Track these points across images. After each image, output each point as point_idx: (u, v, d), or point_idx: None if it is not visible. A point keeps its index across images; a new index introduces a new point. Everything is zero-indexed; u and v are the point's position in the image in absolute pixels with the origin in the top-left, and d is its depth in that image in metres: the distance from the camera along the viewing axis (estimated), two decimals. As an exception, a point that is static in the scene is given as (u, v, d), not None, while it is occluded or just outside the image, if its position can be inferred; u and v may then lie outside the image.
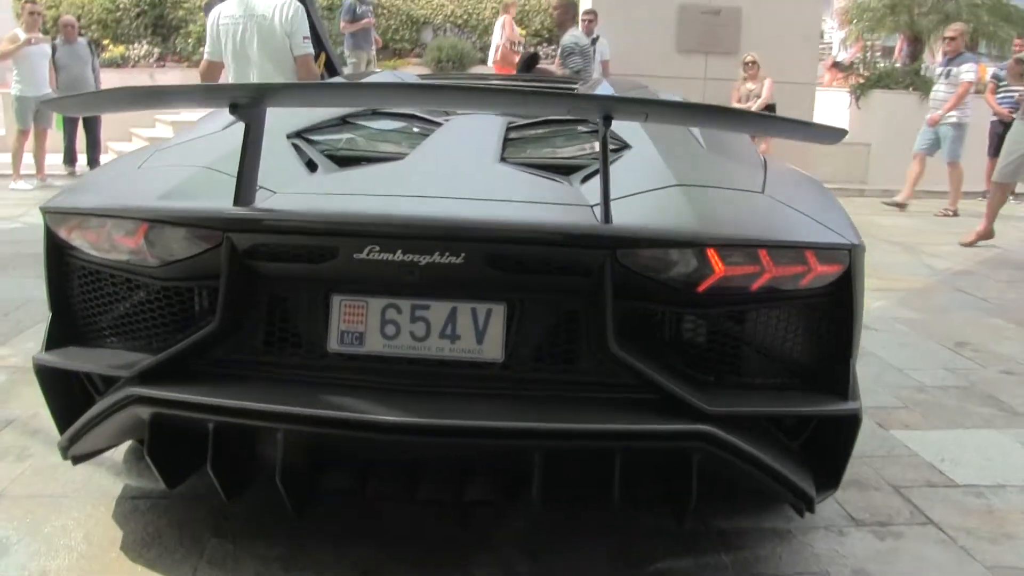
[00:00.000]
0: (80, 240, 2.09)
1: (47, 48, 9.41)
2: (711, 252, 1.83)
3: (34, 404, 3.09)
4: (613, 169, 1.95)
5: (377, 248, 1.81)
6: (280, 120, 2.29)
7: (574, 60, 8.27)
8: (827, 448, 2.02)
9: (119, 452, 2.68)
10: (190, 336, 1.95)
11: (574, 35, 8.60)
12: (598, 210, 1.91)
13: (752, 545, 2.29)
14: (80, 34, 10.44)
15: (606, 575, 2.15)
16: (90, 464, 2.59)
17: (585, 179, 2.20)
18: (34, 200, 8.02)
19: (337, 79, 4.40)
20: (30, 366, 3.40)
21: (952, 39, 8.85)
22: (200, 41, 15.30)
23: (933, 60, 12.51)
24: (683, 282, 1.86)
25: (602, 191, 1.85)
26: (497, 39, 12.32)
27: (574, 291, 1.89)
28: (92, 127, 9.99)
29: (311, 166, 2.28)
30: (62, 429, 2.16)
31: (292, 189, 2.08)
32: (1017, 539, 2.39)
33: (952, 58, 8.88)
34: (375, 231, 1.83)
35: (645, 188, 2.05)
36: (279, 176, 2.10)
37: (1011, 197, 8.42)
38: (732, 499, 2.43)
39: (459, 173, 2.22)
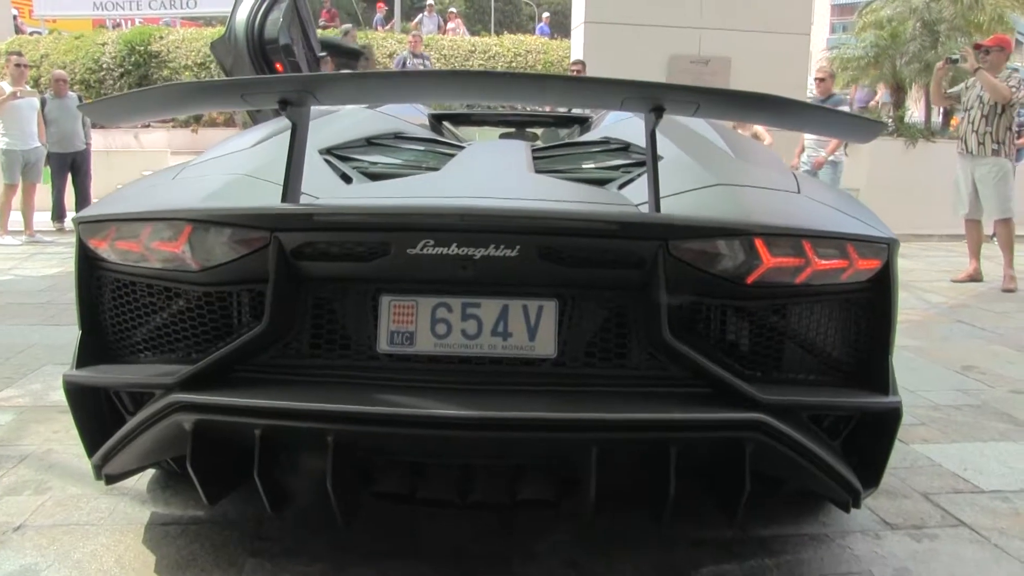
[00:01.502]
0: (115, 250, 2.05)
1: (35, 101, 9.37)
2: (759, 242, 1.86)
3: (46, 440, 3.09)
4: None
5: (432, 242, 1.81)
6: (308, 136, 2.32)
7: None
8: (868, 445, 2.04)
9: (143, 481, 2.65)
10: (234, 341, 1.92)
11: None
12: (644, 209, 1.94)
13: (792, 550, 2.29)
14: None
15: (652, 581, 2.14)
16: (113, 493, 2.57)
17: (622, 186, 2.24)
18: (23, 255, 7.97)
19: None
20: (38, 406, 3.48)
21: (822, 80, 9.02)
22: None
23: (916, 108, 12.76)
24: (732, 274, 1.88)
25: (651, 183, 1.88)
26: None
27: (625, 285, 1.91)
28: (82, 182, 9.94)
29: (346, 179, 2.30)
30: (91, 449, 2.11)
31: (333, 196, 2.09)
32: (1048, 538, 2.42)
33: (824, 100, 9.02)
34: (432, 224, 1.84)
35: (687, 188, 2.09)
36: (318, 185, 2.11)
37: (991, 238, 8.55)
38: (769, 505, 2.43)
39: (498, 181, 2.24)
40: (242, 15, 5.25)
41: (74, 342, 2.13)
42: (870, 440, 2.03)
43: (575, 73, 9.92)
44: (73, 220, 2.15)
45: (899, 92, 14.70)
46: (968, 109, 7.13)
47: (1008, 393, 3.87)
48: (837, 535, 2.38)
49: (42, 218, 9.67)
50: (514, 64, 17.75)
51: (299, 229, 1.88)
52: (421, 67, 11.37)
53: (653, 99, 1.87)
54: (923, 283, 7.01)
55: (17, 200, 9.19)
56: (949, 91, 7.45)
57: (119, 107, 2.30)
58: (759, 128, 8.88)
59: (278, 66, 5.21)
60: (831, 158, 8.95)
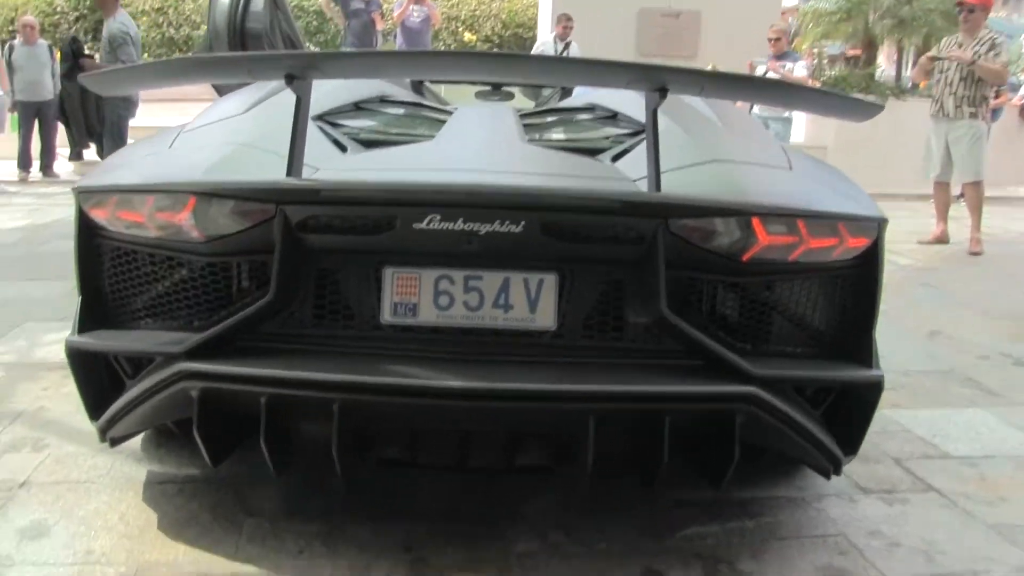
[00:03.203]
0: (116, 219, 2.07)
1: None
2: (756, 221, 1.93)
3: (38, 398, 3.12)
4: (644, 149, 2.03)
5: (438, 217, 1.85)
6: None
7: (126, 51, 7.58)
8: (848, 415, 2.13)
9: (136, 439, 2.67)
10: (241, 311, 1.96)
11: (123, 22, 7.96)
12: (641, 184, 2.00)
13: (771, 512, 2.41)
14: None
15: (638, 542, 2.24)
16: (109, 451, 2.59)
17: (615, 158, 2.29)
18: (-14, 206, 7.83)
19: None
20: (25, 363, 3.49)
21: (776, 40, 9.09)
22: (144, 47, 15.11)
23: (888, 64, 12.88)
24: (729, 251, 1.95)
25: (651, 162, 1.93)
26: None
27: (624, 260, 1.97)
28: (47, 132, 9.75)
29: (340, 146, 2.33)
30: (93, 413, 2.16)
31: (332, 166, 2.12)
32: (1011, 501, 2.56)
33: (779, 57, 9.11)
34: (440, 200, 1.88)
35: (683, 164, 2.14)
36: (314, 154, 2.12)
37: (959, 199, 8.72)
38: (748, 469, 2.52)
39: (492, 152, 2.29)
40: (221, 18, 5.10)
41: (74, 308, 2.15)
42: (851, 410, 2.12)
43: (562, 28, 9.88)
44: (73, 189, 2.16)
45: (871, 48, 14.84)
46: (944, 71, 7.12)
47: (975, 359, 4.01)
48: (813, 499, 2.49)
49: (5, 168, 9.46)
50: (478, 12, 17.58)
51: (306, 203, 1.92)
52: (417, 13, 10.76)
53: (658, 81, 1.92)
54: (890, 244, 7.07)
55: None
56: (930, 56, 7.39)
57: (120, 79, 2.31)
58: None
59: None
60: (788, 115, 9.02)
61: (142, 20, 15.38)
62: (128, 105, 7.77)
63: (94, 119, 7.46)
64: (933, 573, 2.16)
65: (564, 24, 9.98)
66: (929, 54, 7.16)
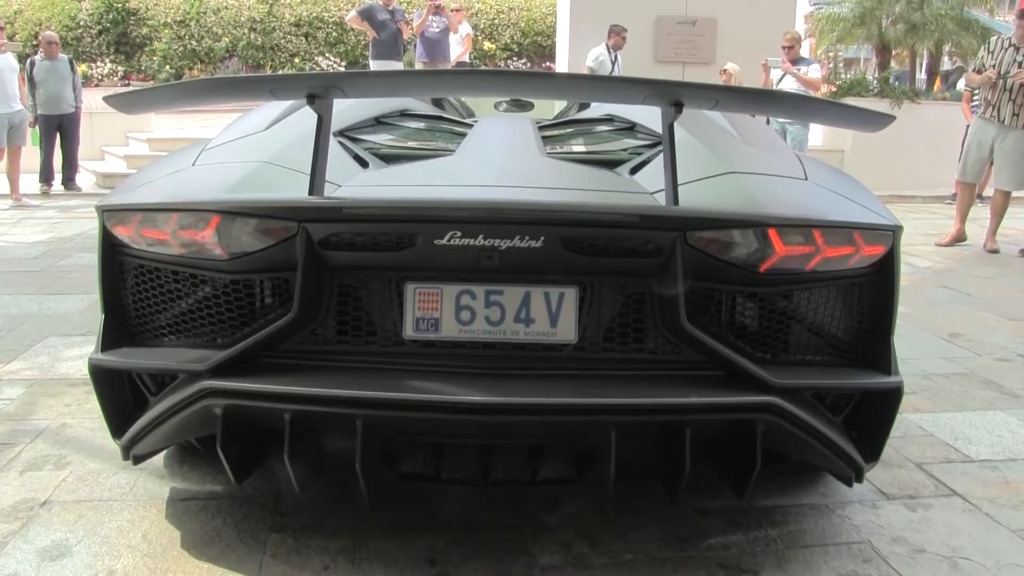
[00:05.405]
0: (140, 237, 2.08)
1: (13, 62, 9.24)
2: (772, 232, 1.94)
3: (60, 414, 3.14)
4: (661, 161, 2.04)
5: (459, 233, 1.87)
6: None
7: None
8: (870, 421, 2.13)
9: (160, 456, 2.69)
10: (264, 328, 1.97)
11: None
12: (659, 196, 2.01)
13: (794, 520, 2.40)
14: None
15: (664, 552, 2.23)
16: (131, 468, 2.61)
17: (633, 171, 2.30)
18: (10, 220, 7.89)
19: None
20: (46, 379, 3.52)
21: (789, 48, 9.15)
22: (166, 59, 15.35)
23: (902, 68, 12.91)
24: (746, 262, 1.96)
25: (669, 176, 1.95)
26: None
27: (643, 273, 1.98)
28: (69, 145, 9.88)
29: (361, 162, 2.34)
30: (116, 430, 2.17)
31: (354, 182, 2.13)
32: (1036, 506, 2.54)
33: (794, 62, 9.13)
34: (460, 216, 1.89)
35: (699, 176, 2.15)
36: (336, 170, 2.14)
37: (978, 200, 8.69)
38: (770, 476, 2.52)
39: (512, 166, 2.30)
40: None
41: (97, 323, 2.17)
42: (872, 417, 2.12)
43: (621, 39, 10.07)
44: (96, 207, 2.18)
45: (884, 52, 14.89)
46: (1005, 75, 6.98)
47: (993, 361, 4.00)
48: (836, 505, 2.49)
49: (28, 181, 9.53)
50: (497, 21, 17.68)
51: (328, 220, 1.93)
52: (436, 23, 10.85)
53: (673, 96, 1.93)
54: (908, 247, 7.11)
55: (2, 164, 9.06)
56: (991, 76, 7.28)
57: (147, 100, 2.33)
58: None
59: None
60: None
61: (164, 33, 15.53)
62: None
63: None
64: (958, 580, 2.15)
65: (621, 34, 10.12)
66: (988, 73, 7.05)
